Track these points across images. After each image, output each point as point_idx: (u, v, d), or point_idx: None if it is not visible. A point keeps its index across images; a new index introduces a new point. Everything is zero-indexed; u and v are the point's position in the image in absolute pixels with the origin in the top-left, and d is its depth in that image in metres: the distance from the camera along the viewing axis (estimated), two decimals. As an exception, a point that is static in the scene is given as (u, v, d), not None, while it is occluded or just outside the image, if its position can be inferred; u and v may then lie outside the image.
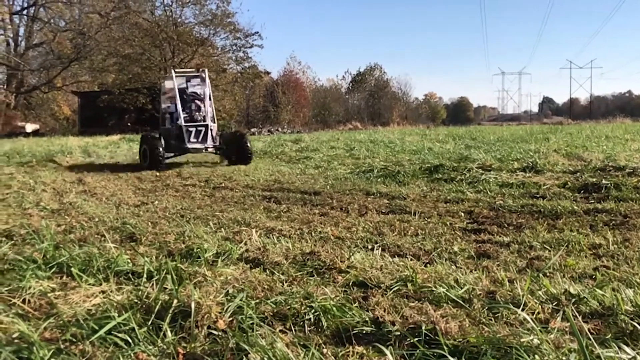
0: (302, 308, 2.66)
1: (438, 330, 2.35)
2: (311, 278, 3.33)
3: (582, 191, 6.93)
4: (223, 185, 9.09)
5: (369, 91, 61.70)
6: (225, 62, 42.33)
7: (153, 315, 2.53)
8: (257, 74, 43.45)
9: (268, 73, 48.33)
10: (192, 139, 12.65)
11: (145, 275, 3.24)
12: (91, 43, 36.94)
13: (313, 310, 2.64)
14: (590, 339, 2.17)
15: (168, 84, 13.47)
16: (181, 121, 12.54)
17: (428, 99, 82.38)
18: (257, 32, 40.11)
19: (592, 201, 6.35)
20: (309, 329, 2.52)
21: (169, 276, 2.94)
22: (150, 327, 2.46)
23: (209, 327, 2.47)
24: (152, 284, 3.06)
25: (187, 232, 4.72)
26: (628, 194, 6.45)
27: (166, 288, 2.89)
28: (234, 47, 40.89)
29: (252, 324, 2.47)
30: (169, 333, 2.42)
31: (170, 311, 2.56)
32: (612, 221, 5.24)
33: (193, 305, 2.53)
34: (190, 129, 12.64)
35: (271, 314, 2.63)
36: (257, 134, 34.43)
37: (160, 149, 12.28)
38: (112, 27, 37.44)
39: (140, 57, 37.68)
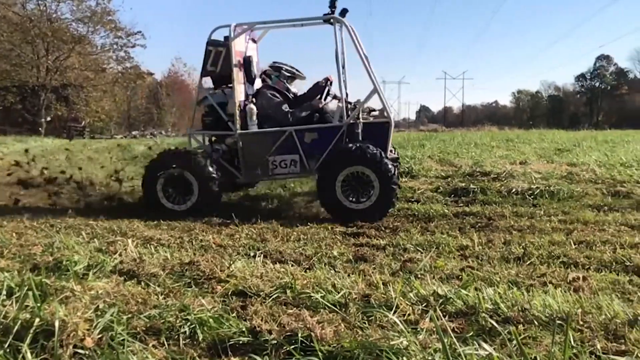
0: (178, 321, 2.59)
1: (313, 337, 2.39)
2: (189, 289, 3.24)
3: (452, 195, 7.40)
4: (102, 190, 8.62)
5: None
6: (104, 62, 40.41)
7: (11, 337, 2.33)
8: (139, 74, 41.95)
9: (151, 74, 46.90)
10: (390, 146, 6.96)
11: (4, 293, 2.98)
12: (-51, 36, 33.55)
13: (189, 323, 2.58)
14: (453, 338, 2.31)
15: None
16: (388, 112, 6.86)
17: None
18: (140, 32, 38.79)
19: (461, 205, 6.82)
20: (184, 342, 2.45)
21: (30, 292, 2.72)
22: (8, 350, 2.26)
23: (75, 346, 2.32)
24: (12, 302, 2.82)
25: (56, 244, 4.40)
26: (492, 198, 7.00)
27: (28, 306, 2.68)
28: (115, 46, 39.20)
29: (123, 340, 2.36)
30: (28, 355, 2.24)
31: (32, 331, 2.37)
32: (477, 223, 5.66)
33: (57, 324, 2.37)
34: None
35: (144, 328, 2.52)
36: (139, 137, 33.11)
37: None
38: (-25, 19, 34.29)
39: (9, 53, 34.78)
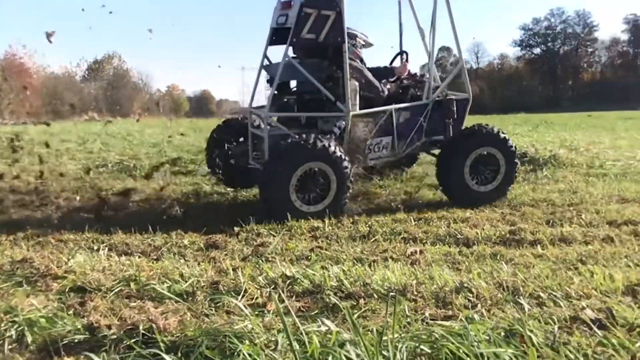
0: (3, 325, 2.37)
1: (155, 328, 2.32)
2: (19, 288, 2.99)
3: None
4: None
5: (107, 80, 58.10)
6: None
7: None
8: (-31, 56, 37.60)
9: (-16, 56, 42.17)
10: None
11: None
12: None
13: (17, 326, 2.38)
14: (295, 318, 2.36)
15: None
16: (468, 89, 6.54)
17: (170, 90, 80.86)
18: (-34, 8, 34.62)
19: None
20: (10, 347, 2.26)
21: None
22: None
23: None
24: None
25: None
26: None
27: None
28: None
29: None
30: None
31: None
32: (329, 206, 5.85)
33: None
34: None
35: (-40, 337, 2.28)
36: (-30, 126, 29.66)
37: None
38: None
39: None
